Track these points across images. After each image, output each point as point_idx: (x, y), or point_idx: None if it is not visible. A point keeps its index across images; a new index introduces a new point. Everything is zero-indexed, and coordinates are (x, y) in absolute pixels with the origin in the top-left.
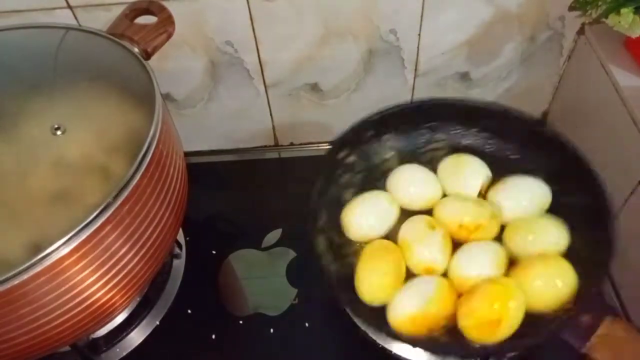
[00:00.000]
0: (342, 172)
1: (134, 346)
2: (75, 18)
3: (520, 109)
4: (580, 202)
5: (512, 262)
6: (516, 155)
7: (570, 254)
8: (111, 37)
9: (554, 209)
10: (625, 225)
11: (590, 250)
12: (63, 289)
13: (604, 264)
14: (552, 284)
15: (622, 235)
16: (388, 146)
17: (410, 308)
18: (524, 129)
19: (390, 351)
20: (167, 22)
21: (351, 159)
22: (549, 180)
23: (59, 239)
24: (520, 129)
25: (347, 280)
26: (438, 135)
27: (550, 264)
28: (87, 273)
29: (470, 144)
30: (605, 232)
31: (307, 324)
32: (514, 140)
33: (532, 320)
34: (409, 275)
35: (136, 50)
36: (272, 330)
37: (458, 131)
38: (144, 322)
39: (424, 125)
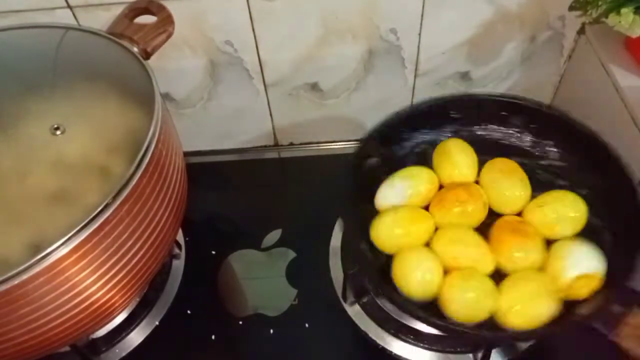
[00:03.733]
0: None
1: (133, 346)
2: (75, 18)
3: None
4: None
5: None
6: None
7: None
8: (111, 36)
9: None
10: None
11: (619, 241)
12: (63, 289)
13: (633, 255)
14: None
15: None
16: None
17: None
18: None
19: (391, 351)
20: (166, 21)
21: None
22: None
23: (59, 239)
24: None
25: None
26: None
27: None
28: (87, 273)
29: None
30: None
31: (307, 324)
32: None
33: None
34: None
35: (136, 49)
36: (271, 331)
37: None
38: (143, 323)
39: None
